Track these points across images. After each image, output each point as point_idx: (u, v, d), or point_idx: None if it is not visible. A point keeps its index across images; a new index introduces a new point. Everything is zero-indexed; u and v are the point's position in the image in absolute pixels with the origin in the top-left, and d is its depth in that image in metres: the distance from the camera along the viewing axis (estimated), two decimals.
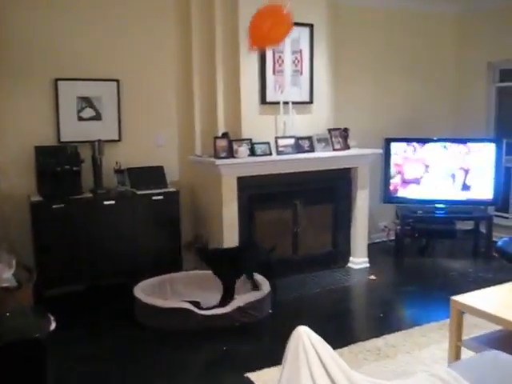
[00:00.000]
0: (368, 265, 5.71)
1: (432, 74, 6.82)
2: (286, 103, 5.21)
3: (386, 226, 6.62)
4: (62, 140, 4.88)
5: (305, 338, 2.30)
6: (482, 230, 6.14)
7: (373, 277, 5.39)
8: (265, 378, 3.41)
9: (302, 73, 5.33)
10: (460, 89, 6.92)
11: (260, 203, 5.15)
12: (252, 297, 4.32)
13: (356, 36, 6.21)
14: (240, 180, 4.93)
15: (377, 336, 3.99)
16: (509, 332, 3.50)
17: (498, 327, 3.52)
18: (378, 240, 6.51)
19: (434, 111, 6.85)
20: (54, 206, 4.54)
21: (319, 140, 5.40)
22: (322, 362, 2.22)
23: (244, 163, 4.88)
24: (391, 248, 6.32)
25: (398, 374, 3.42)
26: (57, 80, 4.80)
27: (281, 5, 3.69)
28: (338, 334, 4.08)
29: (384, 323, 4.34)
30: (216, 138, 4.94)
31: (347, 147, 5.57)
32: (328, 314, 4.55)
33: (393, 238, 6.52)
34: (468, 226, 6.40)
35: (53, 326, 2.79)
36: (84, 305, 4.65)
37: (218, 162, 4.77)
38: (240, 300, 4.27)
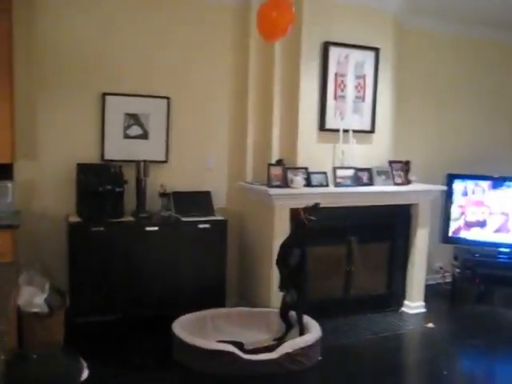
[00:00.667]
0: (424, 310, 5.24)
1: (499, 108, 6.37)
2: (345, 131, 4.84)
3: (441, 268, 6.14)
4: (105, 158, 4.59)
5: None
6: None
7: (431, 325, 4.91)
8: None
9: (364, 99, 4.96)
10: None
11: (313, 237, 4.74)
12: (302, 342, 3.91)
13: (421, 63, 5.82)
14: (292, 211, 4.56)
15: None
16: None
17: None
18: (432, 282, 6.01)
19: (500, 148, 6.39)
20: (93, 229, 4.23)
21: (379, 173, 5.00)
22: None
23: (299, 194, 4.51)
24: (447, 292, 5.83)
25: None
26: (105, 94, 4.53)
27: None
28: None
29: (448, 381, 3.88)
30: (270, 164, 4.59)
31: (408, 182, 5.15)
32: (383, 368, 4.08)
33: (448, 280, 6.04)
34: None
35: (85, 374, 2.44)
36: (117, 336, 4.29)
37: (272, 191, 4.41)
38: (289, 345, 3.86)
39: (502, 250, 5.56)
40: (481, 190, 5.61)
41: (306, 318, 4.23)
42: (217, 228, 4.59)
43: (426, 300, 5.30)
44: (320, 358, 4.05)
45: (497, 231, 5.58)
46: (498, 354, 4.38)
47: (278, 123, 4.78)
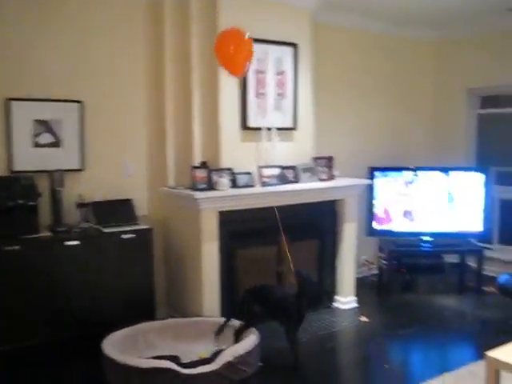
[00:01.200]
0: (356, 304, 5.24)
1: (411, 100, 6.54)
2: (268, 129, 4.73)
3: (367, 261, 6.21)
4: (14, 169, 4.20)
5: None
6: (468, 262, 5.82)
7: (364, 318, 4.91)
8: None
9: (285, 96, 4.88)
10: (440, 116, 6.65)
11: (241, 240, 4.61)
12: (241, 349, 3.74)
13: (334, 59, 5.84)
14: (220, 215, 4.40)
15: None
16: None
17: None
18: (359, 275, 6.04)
19: (414, 139, 6.55)
20: (6, 248, 3.85)
21: (304, 170, 4.94)
22: None
23: (226, 196, 4.35)
24: (374, 284, 5.90)
25: None
26: (9, 100, 4.16)
27: (242, 30, 3.88)
28: None
29: (393, 377, 3.85)
30: (194, 167, 4.39)
31: (332, 177, 5.13)
32: (324, 368, 4.02)
33: (375, 272, 6.11)
34: (453, 259, 6.05)
35: None
36: (43, 363, 3.91)
37: (198, 195, 4.21)
38: (229, 354, 3.69)
39: (424, 238, 5.67)
40: (402, 181, 5.70)
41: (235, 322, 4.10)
42: (141, 237, 4.33)
43: (356, 294, 5.30)
44: (260, 363, 3.91)
45: (418, 221, 5.69)
46: (432, 340, 4.42)
47: (199, 124, 4.59)
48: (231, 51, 3.84)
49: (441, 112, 6.64)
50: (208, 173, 4.40)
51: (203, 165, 4.48)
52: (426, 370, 3.93)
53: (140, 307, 4.32)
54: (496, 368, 2.92)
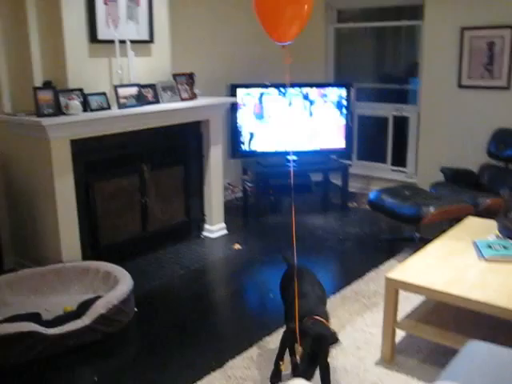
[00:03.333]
0: (226, 231, 4.95)
1: None
2: (122, 42, 4.08)
3: (230, 184, 5.91)
4: None
5: None
6: (332, 180, 5.79)
7: (238, 246, 4.65)
8: None
9: (139, 3, 4.21)
10: None
11: (100, 171, 4.03)
12: (115, 298, 3.27)
13: None
14: (73, 144, 3.76)
15: (281, 326, 3.25)
16: (437, 303, 3.08)
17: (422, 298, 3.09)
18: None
19: (273, 55, 6.17)
20: None
21: (164, 88, 4.39)
22: None
23: (79, 121, 3.70)
24: (239, 208, 5.66)
25: None
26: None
27: None
28: (235, 332, 3.30)
29: (281, 306, 3.64)
30: (36, 88, 3.65)
31: (195, 96, 4.65)
32: (207, 302, 3.71)
33: (239, 195, 5.86)
34: (317, 177, 5.96)
35: None
36: None
37: (45, 121, 3.51)
38: (101, 305, 3.21)
39: (289, 158, 5.48)
40: (264, 99, 5.38)
41: (113, 268, 3.62)
42: None
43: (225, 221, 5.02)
44: (136, 309, 3.50)
45: (282, 140, 5.47)
46: (311, 260, 4.28)
47: (37, 36, 3.79)
48: None
49: None
50: (54, 95, 3.69)
51: (47, 85, 3.74)
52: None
53: None
54: (395, 288, 2.81)
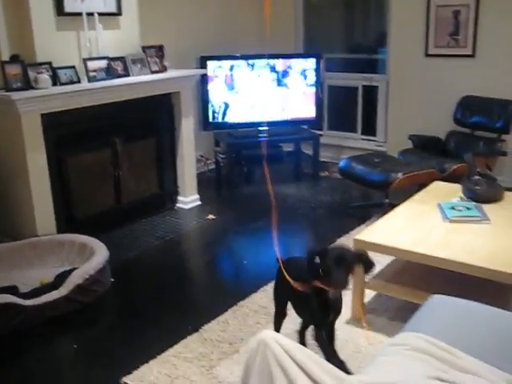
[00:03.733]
0: (200, 202, 5.01)
1: None
2: (89, 15, 4.06)
3: (202, 156, 5.94)
4: None
5: (275, 348, 1.62)
6: (304, 150, 5.87)
7: (212, 216, 4.72)
8: (150, 378, 2.59)
9: None
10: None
11: (72, 146, 4.04)
12: (91, 269, 3.33)
13: None
14: (44, 118, 3.76)
15: (254, 291, 3.37)
16: (404, 264, 3.20)
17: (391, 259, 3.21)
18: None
19: (243, 26, 6.20)
20: None
21: (134, 61, 4.39)
22: (306, 374, 1.57)
23: (50, 95, 3.70)
24: (212, 179, 5.70)
25: None
26: None
27: None
28: (210, 298, 3.39)
29: (255, 272, 3.73)
30: (3, 62, 3.63)
31: (164, 68, 4.65)
32: (182, 272, 3.79)
33: (212, 167, 5.91)
34: (289, 147, 6.03)
35: None
36: None
37: (15, 95, 3.50)
38: (77, 276, 3.26)
39: (261, 129, 5.53)
40: (234, 71, 5.40)
41: (89, 240, 3.67)
42: None
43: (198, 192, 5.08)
44: (112, 279, 3.56)
45: (254, 111, 5.51)
46: (288, 230, 4.36)
47: (2, 8, 3.75)
48: None
49: None
50: (23, 68, 3.67)
51: (15, 59, 3.72)
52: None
53: None
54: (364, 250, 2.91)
